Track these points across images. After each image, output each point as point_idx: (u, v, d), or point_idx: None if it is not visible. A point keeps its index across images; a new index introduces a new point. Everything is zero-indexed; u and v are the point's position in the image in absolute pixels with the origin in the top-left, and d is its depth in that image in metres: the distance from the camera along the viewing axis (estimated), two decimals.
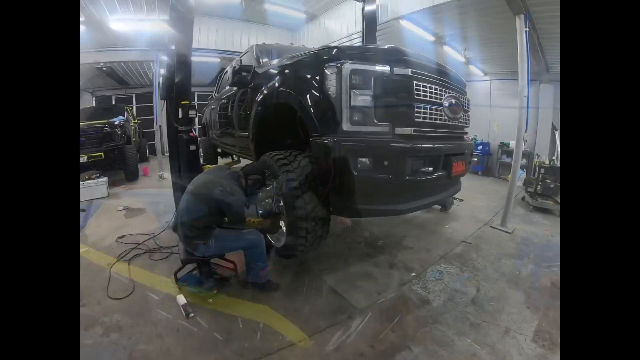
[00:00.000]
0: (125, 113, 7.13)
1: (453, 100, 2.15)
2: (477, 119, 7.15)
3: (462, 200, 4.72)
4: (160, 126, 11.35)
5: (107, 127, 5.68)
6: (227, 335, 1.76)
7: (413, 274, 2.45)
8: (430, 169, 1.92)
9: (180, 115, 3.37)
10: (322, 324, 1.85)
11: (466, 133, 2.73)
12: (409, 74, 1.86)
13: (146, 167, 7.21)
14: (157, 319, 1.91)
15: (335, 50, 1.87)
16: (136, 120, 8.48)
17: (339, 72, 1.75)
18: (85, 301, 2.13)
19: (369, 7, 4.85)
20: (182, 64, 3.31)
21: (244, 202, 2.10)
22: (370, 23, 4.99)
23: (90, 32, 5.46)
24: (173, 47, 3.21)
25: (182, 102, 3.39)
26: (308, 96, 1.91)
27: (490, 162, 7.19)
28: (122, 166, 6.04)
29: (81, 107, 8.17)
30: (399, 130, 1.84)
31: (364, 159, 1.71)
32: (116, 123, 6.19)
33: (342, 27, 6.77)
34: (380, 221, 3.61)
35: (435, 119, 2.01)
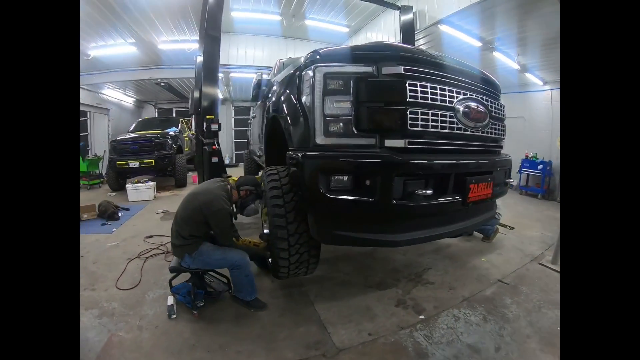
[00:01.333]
0: (180, 125, 7.99)
1: (473, 105, 1.80)
2: (537, 135, 6.24)
3: (513, 228, 4.03)
4: None
5: (159, 137, 6.41)
6: (195, 343, 1.83)
7: (421, 317, 2.12)
8: (429, 191, 1.58)
9: (204, 129, 3.61)
10: (290, 356, 1.73)
11: (500, 147, 2.27)
12: (401, 72, 1.58)
13: (195, 175, 7.89)
14: (144, 314, 2.14)
15: (313, 53, 1.71)
16: (191, 132, 9.48)
17: (311, 77, 1.59)
18: (96, 286, 2.52)
19: (405, 17, 4.66)
20: (208, 80, 3.55)
21: (230, 213, 2.12)
22: (407, 31, 4.79)
23: (142, 52, 6.37)
24: (200, 64, 3.47)
25: (207, 117, 3.62)
26: (286, 106, 1.81)
27: (552, 184, 6.05)
28: (172, 173, 6.71)
29: (142, 117, 9.52)
30: (389, 143, 1.57)
31: (340, 177, 1.51)
32: (170, 134, 6.96)
33: (383, 38, 6.64)
34: (406, 247, 3.26)
35: (443, 128, 1.68)
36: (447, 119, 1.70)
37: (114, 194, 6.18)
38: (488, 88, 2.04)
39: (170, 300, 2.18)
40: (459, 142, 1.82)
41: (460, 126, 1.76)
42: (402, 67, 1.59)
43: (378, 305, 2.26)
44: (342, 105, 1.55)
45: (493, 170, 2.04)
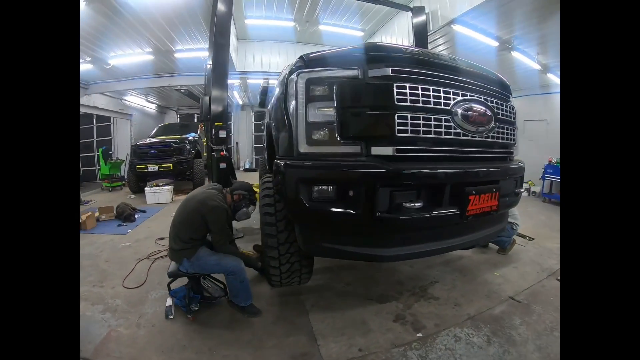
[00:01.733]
0: (199, 130, 8.27)
1: (474, 106, 1.66)
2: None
3: (532, 239, 3.77)
4: (237, 143, 13.05)
5: (177, 142, 6.68)
6: (186, 344, 1.91)
7: (419, 335, 2.02)
8: (418, 204, 1.49)
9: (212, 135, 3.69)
10: None
11: (510, 152, 2.09)
12: (389, 73, 1.50)
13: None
14: (144, 312, 2.26)
15: (299, 58, 1.67)
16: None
17: (295, 83, 1.56)
18: (104, 284, 2.71)
19: (417, 18, 4.54)
20: (217, 87, 3.63)
21: (225, 210, 2.19)
22: (420, 33, 4.67)
23: (159, 60, 6.77)
24: (210, 71, 3.55)
25: (216, 124, 3.71)
26: (275, 113, 1.79)
27: None
28: (190, 177, 6.94)
29: (164, 122, 9.98)
30: (376, 150, 1.49)
31: (322, 188, 1.47)
32: (189, 139, 7.22)
33: (397, 41, 6.54)
34: (414, 259, 3.14)
35: (438, 133, 1.57)
36: (443, 123, 1.59)
37: (134, 196, 6.52)
38: (494, 88, 1.90)
39: (169, 301, 2.27)
40: (458, 149, 1.70)
41: (458, 131, 1.64)
42: (390, 69, 1.51)
43: (375, 319, 2.18)
44: (325, 112, 1.51)
45: (500, 179, 1.90)
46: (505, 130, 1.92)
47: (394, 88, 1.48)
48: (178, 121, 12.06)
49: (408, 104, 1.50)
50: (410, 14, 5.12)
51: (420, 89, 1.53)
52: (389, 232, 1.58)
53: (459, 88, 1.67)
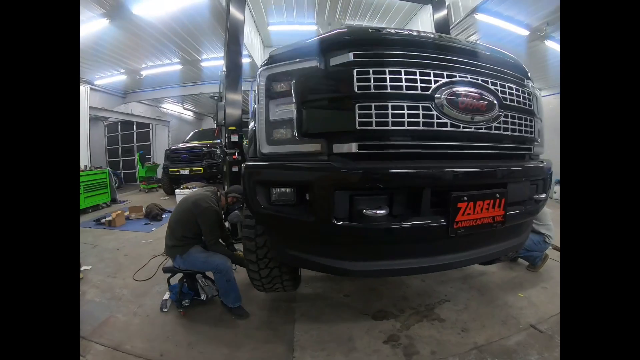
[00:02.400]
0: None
1: (464, 90, 1.36)
2: None
3: None
4: None
5: (208, 146, 7.09)
6: (170, 336, 2.03)
7: None
8: (382, 211, 1.26)
9: (226, 140, 3.81)
10: None
11: (528, 149, 1.70)
12: (350, 59, 1.31)
13: None
14: (143, 303, 2.44)
15: (269, 55, 1.56)
16: (243, 142, 10.23)
17: (258, 81, 1.48)
18: (117, 275, 3.00)
19: (438, 13, 4.22)
20: (231, 93, 3.74)
21: (216, 211, 2.28)
22: (442, 28, 4.34)
23: (188, 69, 7.56)
24: (224, 77, 3.67)
25: (229, 128, 3.82)
26: (250, 114, 1.73)
27: None
28: (221, 180, 7.31)
29: (201, 128, 10.66)
30: (338, 148, 1.33)
31: (281, 190, 1.37)
32: (221, 144, 7.59)
33: None
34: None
35: (414, 124, 1.31)
36: (420, 111, 1.31)
37: (167, 197, 7.09)
38: (499, 68, 1.54)
39: (167, 295, 2.43)
40: (448, 144, 1.40)
41: (444, 121, 1.34)
42: (352, 54, 1.32)
43: (364, 337, 2.03)
44: (287, 109, 1.39)
45: (507, 181, 1.54)
46: (517, 121, 1.56)
47: (354, 74, 1.29)
48: (215, 127, 12.81)
49: (372, 91, 1.29)
50: (430, 7, 4.82)
51: (387, 72, 1.32)
52: (353, 243, 1.41)
53: (444, 68, 1.39)
